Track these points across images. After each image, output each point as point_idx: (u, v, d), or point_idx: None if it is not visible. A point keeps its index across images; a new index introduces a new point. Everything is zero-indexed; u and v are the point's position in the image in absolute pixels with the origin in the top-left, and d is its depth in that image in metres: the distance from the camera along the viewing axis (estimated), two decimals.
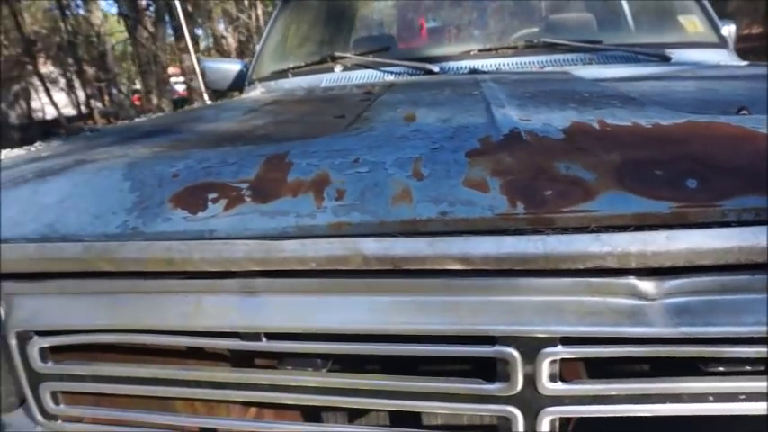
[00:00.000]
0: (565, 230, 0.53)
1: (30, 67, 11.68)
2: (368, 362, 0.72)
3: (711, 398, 0.56)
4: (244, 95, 1.97)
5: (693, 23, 1.81)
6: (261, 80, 1.97)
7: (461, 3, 1.95)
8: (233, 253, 0.58)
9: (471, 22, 1.93)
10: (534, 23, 1.95)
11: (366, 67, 1.78)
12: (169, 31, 10.32)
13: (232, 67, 2.26)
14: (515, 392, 0.58)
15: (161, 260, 0.60)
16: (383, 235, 0.55)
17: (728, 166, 0.56)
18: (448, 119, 0.78)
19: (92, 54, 11.70)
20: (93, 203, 0.66)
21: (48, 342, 0.68)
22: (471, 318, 0.57)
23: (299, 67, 1.88)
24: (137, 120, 1.55)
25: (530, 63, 1.63)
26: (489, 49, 1.71)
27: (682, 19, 1.84)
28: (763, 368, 0.56)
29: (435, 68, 1.66)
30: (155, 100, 10.95)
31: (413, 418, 0.78)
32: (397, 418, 0.78)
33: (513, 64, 1.65)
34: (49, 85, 11.95)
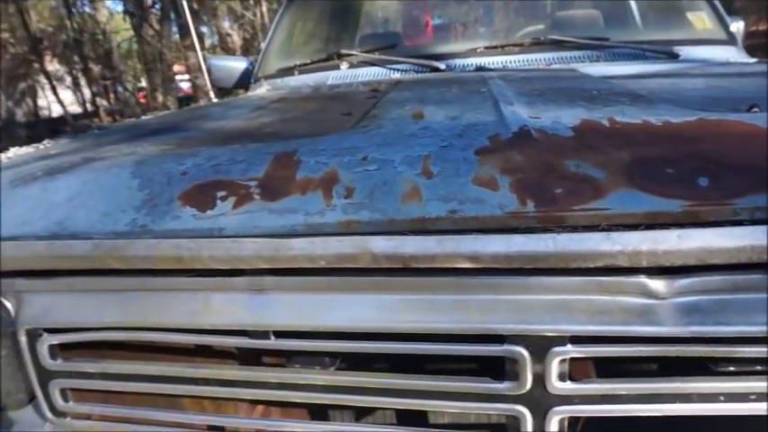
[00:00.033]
0: (575, 229, 0.52)
1: (36, 65, 11.72)
2: (376, 360, 0.72)
3: (722, 398, 0.56)
4: (250, 93, 1.97)
5: (702, 20, 1.80)
6: (267, 78, 1.97)
7: (468, 0, 1.94)
8: (242, 251, 0.58)
9: (478, 19, 1.93)
10: (541, 20, 1.94)
11: (372, 64, 1.78)
12: (174, 28, 10.33)
13: (238, 64, 2.26)
14: (524, 392, 0.57)
15: (170, 258, 0.60)
16: (392, 233, 0.55)
17: (740, 163, 0.55)
18: (456, 116, 0.78)
19: (97, 52, 11.73)
20: (103, 201, 0.66)
21: (57, 339, 0.69)
22: (480, 316, 0.57)
23: (305, 65, 1.88)
24: (144, 117, 1.55)
25: (537, 60, 1.62)
26: (496, 47, 1.70)
27: (690, 15, 1.83)
28: None
29: (442, 66, 1.66)
30: (160, 98, 10.97)
31: (420, 417, 0.78)
32: (403, 416, 0.78)
33: (519, 61, 1.64)
34: (55, 82, 11.99)
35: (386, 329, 0.59)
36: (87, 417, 0.73)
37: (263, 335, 0.62)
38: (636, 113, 0.71)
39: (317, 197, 0.59)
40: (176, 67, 11.33)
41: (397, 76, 1.68)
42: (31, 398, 0.74)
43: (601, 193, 0.54)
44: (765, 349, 0.53)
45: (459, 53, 1.72)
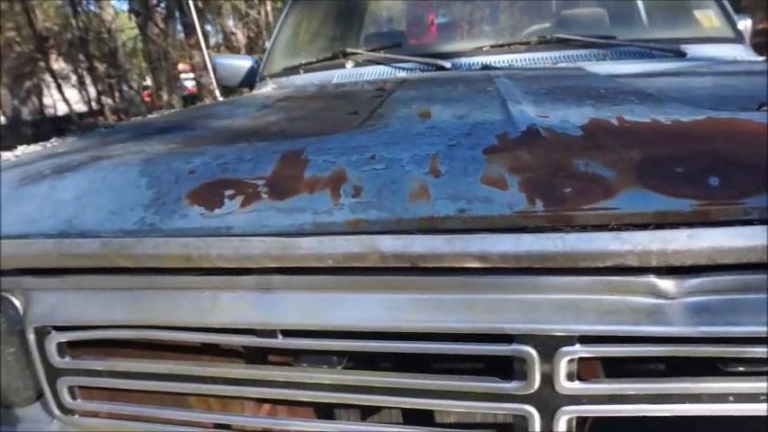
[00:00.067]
0: (584, 228, 0.52)
1: (42, 64, 11.77)
2: (383, 360, 0.72)
3: (732, 398, 0.55)
4: (255, 92, 1.97)
5: (709, 18, 1.79)
6: (272, 76, 1.97)
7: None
8: (250, 250, 0.58)
9: (483, 17, 1.92)
10: (546, 19, 1.93)
11: (377, 63, 1.77)
12: (179, 27, 10.36)
13: (243, 63, 2.26)
14: (532, 391, 0.57)
15: (178, 256, 0.60)
16: (401, 232, 0.55)
17: (751, 162, 0.55)
18: (463, 115, 0.78)
19: (103, 50, 11.78)
20: (111, 200, 0.66)
21: (65, 337, 0.69)
22: (489, 316, 0.56)
23: (311, 63, 1.88)
24: (150, 116, 1.55)
25: (543, 59, 1.62)
26: (501, 45, 1.70)
27: (697, 13, 1.82)
28: None
29: (447, 64, 1.65)
30: (165, 96, 11.00)
31: (426, 416, 0.77)
32: (409, 415, 0.78)
33: (525, 60, 1.63)
34: (60, 81, 12.04)
35: (394, 329, 0.59)
36: (95, 414, 0.73)
37: (271, 333, 0.62)
38: (644, 112, 0.70)
39: (325, 196, 0.59)
40: (181, 66, 11.35)
41: (402, 74, 1.68)
42: (39, 395, 0.74)
43: (610, 192, 0.53)
44: None
45: (464, 52, 1.72)
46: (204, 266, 0.60)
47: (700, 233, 0.51)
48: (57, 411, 0.72)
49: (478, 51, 1.70)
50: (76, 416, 0.73)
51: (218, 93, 2.30)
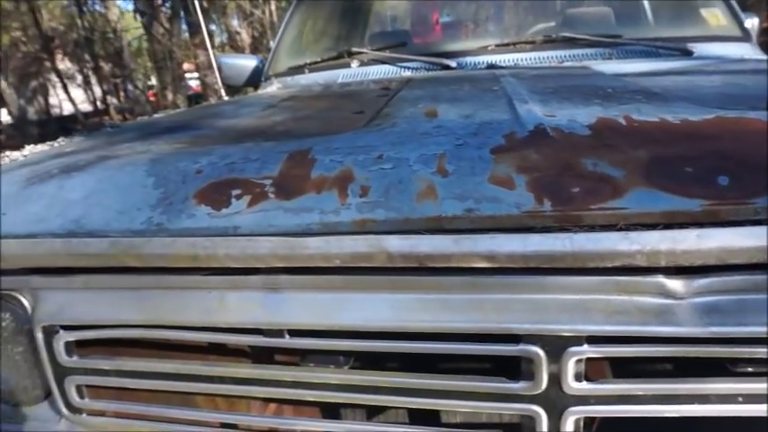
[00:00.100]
0: (593, 228, 0.52)
1: (47, 64, 11.82)
2: (390, 359, 0.72)
3: (741, 399, 0.55)
4: (260, 91, 1.97)
5: (716, 16, 1.78)
6: (277, 76, 1.97)
7: None
8: (257, 249, 0.58)
9: (488, 16, 1.92)
10: (552, 18, 1.93)
11: (382, 62, 1.77)
12: (184, 27, 10.38)
13: (248, 62, 2.27)
14: (540, 391, 0.57)
15: (185, 256, 0.60)
16: (408, 232, 0.55)
17: (761, 162, 0.55)
18: (470, 115, 0.77)
19: (108, 50, 11.80)
20: (118, 199, 0.66)
21: (73, 336, 0.69)
22: (496, 316, 0.56)
23: (316, 63, 1.88)
24: (156, 115, 1.56)
25: (548, 58, 1.61)
26: (507, 44, 1.69)
27: (704, 12, 1.81)
28: None
29: (453, 64, 1.65)
30: (170, 96, 11.02)
31: (432, 416, 0.77)
32: (415, 415, 0.78)
33: (531, 59, 1.63)
34: (66, 81, 12.08)
35: (401, 329, 0.58)
36: (102, 413, 0.73)
37: (278, 333, 0.62)
38: (652, 111, 0.70)
39: (332, 196, 0.59)
40: (186, 66, 11.38)
41: (407, 74, 1.68)
42: (47, 394, 0.74)
43: (618, 192, 0.53)
44: None
45: (469, 51, 1.71)
46: (211, 266, 0.61)
47: (709, 233, 0.50)
48: (64, 410, 0.73)
49: (484, 50, 1.70)
50: (84, 415, 0.73)
51: (223, 92, 2.31)
